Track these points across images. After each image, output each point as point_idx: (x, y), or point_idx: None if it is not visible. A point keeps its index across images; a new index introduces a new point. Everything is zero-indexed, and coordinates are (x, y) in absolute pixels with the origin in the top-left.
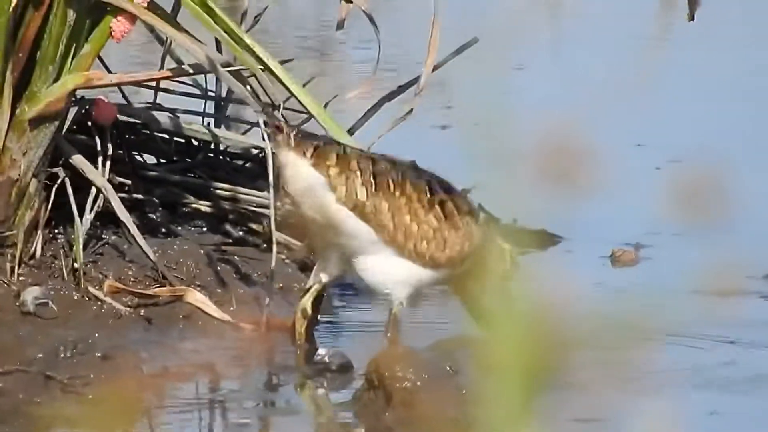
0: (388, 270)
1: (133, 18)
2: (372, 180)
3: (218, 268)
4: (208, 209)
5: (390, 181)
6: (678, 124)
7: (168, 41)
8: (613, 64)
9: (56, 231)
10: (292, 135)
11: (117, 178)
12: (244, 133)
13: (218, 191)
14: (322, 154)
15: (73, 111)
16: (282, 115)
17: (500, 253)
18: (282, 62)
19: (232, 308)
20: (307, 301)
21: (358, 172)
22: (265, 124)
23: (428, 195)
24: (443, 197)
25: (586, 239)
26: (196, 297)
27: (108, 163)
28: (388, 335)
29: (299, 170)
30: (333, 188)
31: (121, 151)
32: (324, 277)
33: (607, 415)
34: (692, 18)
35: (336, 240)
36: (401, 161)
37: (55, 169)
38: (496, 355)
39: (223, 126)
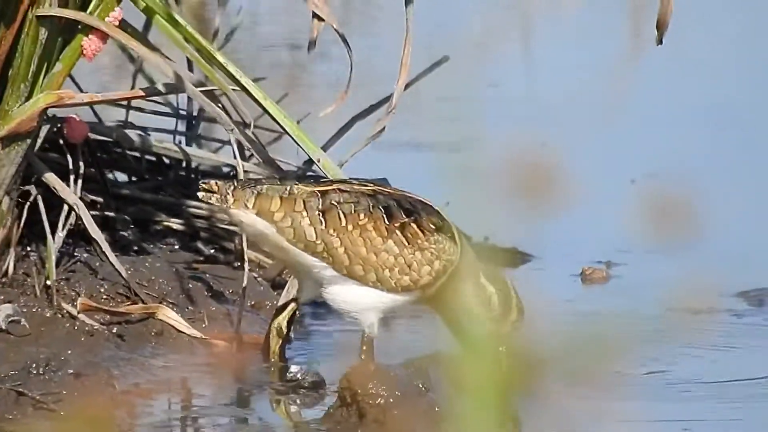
0: (353, 298)
1: (104, 36)
2: (320, 217)
3: (190, 285)
4: (179, 227)
5: (340, 215)
6: (649, 144)
7: (139, 60)
8: (584, 83)
9: (28, 248)
10: (229, 191)
11: (89, 195)
12: (215, 151)
13: (190, 209)
14: (265, 200)
15: (44, 129)
16: (253, 133)
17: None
18: (254, 80)
19: (203, 325)
20: (282, 320)
21: (304, 212)
22: (200, 189)
23: (386, 222)
24: (404, 221)
25: (557, 257)
26: (168, 314)
27: (80, 181)
28: (362, 357)
29: (246, 221)
30: (281, 232)
31: (93, 169)
32: (299, 297)
33: (579, 429)
34: (660, 42)
35: (303, 270)
36: (358, 187)
37: (27, 187)
38: (469, 372)
39: (194, 144)
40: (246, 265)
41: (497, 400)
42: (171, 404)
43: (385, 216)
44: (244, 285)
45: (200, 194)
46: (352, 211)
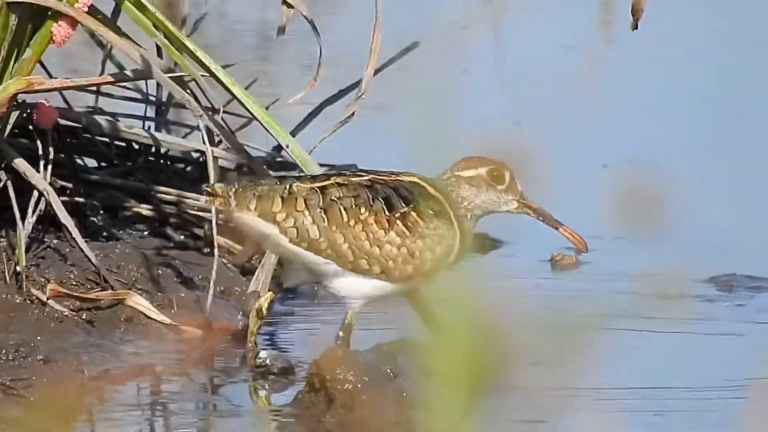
0: (357, 288)
1: (74, 23)
2: (322, 215)
3: (159, 271)
4: (149, 213)
5: (342, 210)
6: (622, 130)
7: (109, 46)
8: (556, 69)
9: None
10: (231, 193)
11: (59, 181)
12: (184, 137)
13: (159, 195)
14: (266, 201)
15: (14, 115)
16: (222, 119)
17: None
18: (224, 66)
19: (173, 311)
20: (264, 302)
21: (306, 211)
22: (203, 192)
23: (386, 213)
24: (403, 210)
25: (527, 243)
26: (137, 300)
27: (50, 166)
28: (340, 335)
29: (249, 224)
30: (284, 232)
31: (63, 155)
32: (285, 281)
33: (546, 416)
34: (635, 27)
35: (308, 267)
36: (355, 179)
37: None
38: (437, 358)
39: (163, 130)
40: (216, 251)
41: (465, 386)
42: (140, 390)
43: (385, 207)
44: (213, 271)
45: (203, 198)
46: (353, 206)
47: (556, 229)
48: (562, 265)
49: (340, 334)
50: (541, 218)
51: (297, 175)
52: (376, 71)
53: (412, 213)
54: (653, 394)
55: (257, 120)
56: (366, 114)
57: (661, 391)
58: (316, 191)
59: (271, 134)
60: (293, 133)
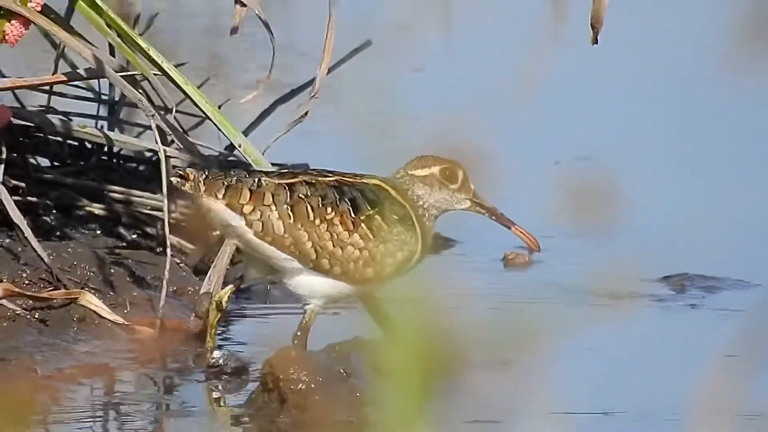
0: (315, 287)
1: (26, 22)
2: (289, 211)
3: (112, 271)
4: (102, 212)
5: (309, 208)
6: (572, 129)
7: (61, 45)
8: (507, 67)
9: None
10: (201, 179)
11: (11, 180)
12: (137, 136)
13: (112, 194)
14: (235, 192)
15: None
16: (175, 118)
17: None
18: (176, 65)
19: (126, 311)
20: (224, 294)
21: (273, 206)
22: (174, 175)
23: (352, 215)
24: (369, 213)
25: (479, 242)
26: (90, 299)
27: (2, 165)
28: (297, 334)
29: (215, 212)
30: (249, 225)
31: (15, 154)
32: (245, 276)
33: (498, 417)
34: (595, 41)
35: (266, 262)
36: (322, 179)
37: None
38: (390, 358)
39: (116, 129)
40: (168, 250)
41: (418, 386)
42: (93, 390)
43: (351, 209)
44: (166, 270)
45: (173, 180)
46: (320, 205)
47: (509, 228)
48: (515, 263)
49: (298, 333)
50: (493, 217)
51: (265, 170)
52: (329, 70)
53: (377, 217)
54: (604, 395)
55: (210, 119)
56: (318, 113)
57: (612, 391)
58: (285, 187)
59: (223, 133)
60: (246, 133)
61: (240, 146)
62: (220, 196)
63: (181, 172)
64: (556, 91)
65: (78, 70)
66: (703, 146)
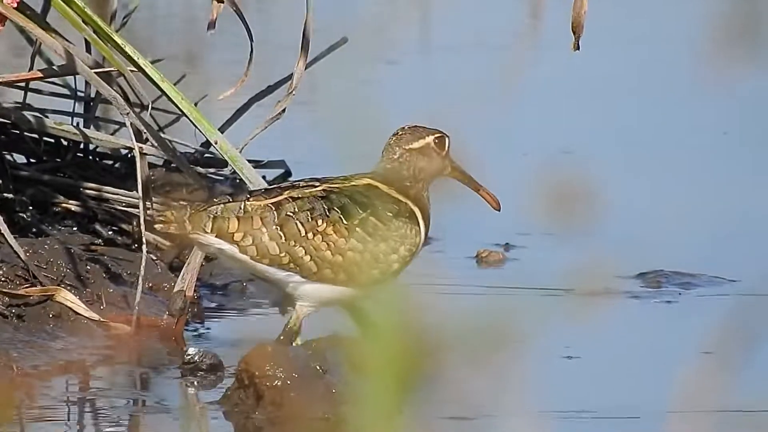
0: (322, 296)
1: (2, 18)
2: (279, 231)
3: (88, 267)
4: (78, 209)
5: (298, 225)
6: (549, 127)
7: (37, 42)
8: (483, 63)
9: None
10: (185, 218)
11: None
12: (113, 133)
13: (88, 191)
14: (222, 221)
15: None
16: (151, 115)
17: None
18: (152, 62)
19: (102, 307)
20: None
21: (263, 228)
22: (156, 222)
23: (344, 222)
24: (362, 216)
25: (454, 239)
26: (66, 296)
27: None
28: (281, 338)
29: (207, 244)
30: (244, 251)
31: None
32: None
33: (476, 413)
34: (577, 47)
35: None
36: (309, 190)
37: None
38: (367, 355)
39: (92, 126)
40: (144, 247)
41: (395, 383)
42: (69, 386)
43: (342, 216)
44: (142, 267)
45: (158, 227)
46: (309, 219)
47: (477, 191)
48: (489, 261)
49: (281, 337)
50: (466, 181)
51: (249, 190)
52: (306, 67)
53: (370, 218)
54: (580, 392)
55: (186, 116)
56: (293, 108)
57: (588, 388)
58: (271, 208)
59: (199, 130)
60: (222, 129)
61: (216, 143)
62: (208, 229)
63: (161, 217)
64: (533, 88)
65: (54, 67)
66: (680, 144)
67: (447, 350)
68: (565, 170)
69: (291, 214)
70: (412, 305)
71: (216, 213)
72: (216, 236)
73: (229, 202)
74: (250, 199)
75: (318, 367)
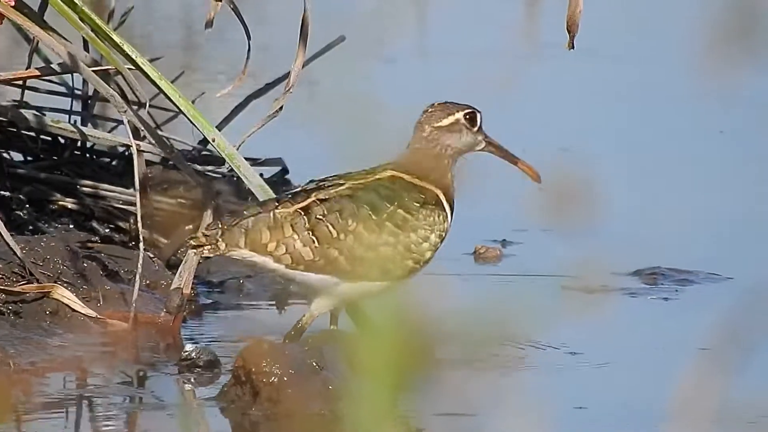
0: (353, 293)
1: (0, 17)
2: (311, 236)
3: (85, 265)
4: (75, 206)
5: (329, 227)
6: (546, 125)
7: (35, 40)
8: (481, 61)
9: None
10: (219, 237)
11: None
12: (110, 131)
13: (85, 189)
14: (255, 235)
15: None
16: (149, 113)
17: None
18: (150, 60)
19: (99, 304)
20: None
21: (296, 236)
22: (190, 246)
23: (374, 218)
24: (390, 209)
25: (452, 236)
26: (63, 293)
27: None
28: (291, 334)
29: (242, 259)
30: (278, 261)
31: None
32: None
33: (474, 410)
34: (572, 46)
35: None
36: (334, 190)
37: None
38: (364, 351)
39: (89, 124)
40: (141, 244)
41: (391, 380)
42: (66, 383)
43: (371, 213)
44: (139, 264)
45: (191, 251)
46: (339, 220)
47: (515, 164)
48: (486, 257)
49: (291, 333)
50: (502, 155)
51: (276, 197)
52: (303, 64)
53: (398, 210)
54: (577, 389)
55: (183, 113)
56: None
57: (585, 385)
58: (300, 213)
59: (197, 128)
60: (220, 127)
61: (214, 141)
62: (242, 244)
63: (194, 242)
64: (531, 86)
65: (51, 65)
66: (677, 142)
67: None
68: (563, 168)
69: (321, 218)
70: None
71: (248, 227)
72: (250, 250)
73: (259, 213)
74: (279, 207)
75: (315, 364)
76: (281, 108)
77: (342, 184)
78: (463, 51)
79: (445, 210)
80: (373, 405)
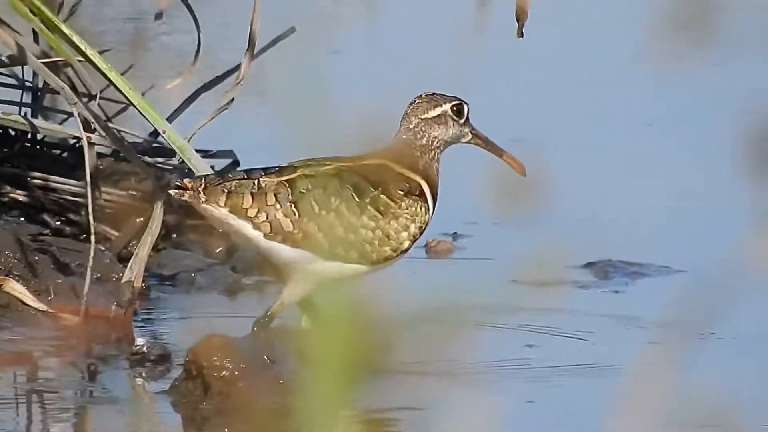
0: (327, 275)
1: None
2: (293, 208)
3: (36, 257)
4: (25, 199)
5: (313, 201)
6: (498, 115)
7: None
8: (431, 50)
9: None
10: (200, 189)
11: None
12: (61, 123)
13: (36, 181)
14: (236, 197)
15: None
16: (99, 105)
17: None
18: (100, 52)
19: (50, 298)
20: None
21: (278, 205)
22: (173, 187)
23: (356, 199)
24: (374, 194)
25: None
26: (14, 286)
27: None
28: (262, 321)
29: (219, 219)
30: (257, 228)
31: None
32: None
33: (425, 404)
34: (521, 34)
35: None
36: (321, 169)
37: None
38: (315, 345)
39: (40, 116)
40: (92, 237)
41: (343, 373)
42: (17, 377)
43: (354, 194)
44: (90, 257)
45: (172, 192)
46: (323, 197)
47: (501, 156)
48: (437, 251)
49: (262, 320)
50: (488, 147)
51: (264, 168)
52: (254, 56)
53: (381, 196)
54: (527, 383)
55: (134, 106)
56: (242, 98)
57: (537, 378)
58: (285, 184)
59: (147, 120)
60: (170, 119)
61: (164, 133)
62: (221, 203)
63: (178, 182)
64: (480, 76)
65: (1, 57)
66: (628, 134)
67: (396, 340)
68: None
69: (305, 191)
70: (361, 295)
71: (230, 188)
72: (229, 211)
73: (244, 178)
74: (264, 176)
75: (266, 358)
76: (232, 100)
77: (329, 165)
78: (413, 40)
79: (427, 202)
80: (324, 399)
